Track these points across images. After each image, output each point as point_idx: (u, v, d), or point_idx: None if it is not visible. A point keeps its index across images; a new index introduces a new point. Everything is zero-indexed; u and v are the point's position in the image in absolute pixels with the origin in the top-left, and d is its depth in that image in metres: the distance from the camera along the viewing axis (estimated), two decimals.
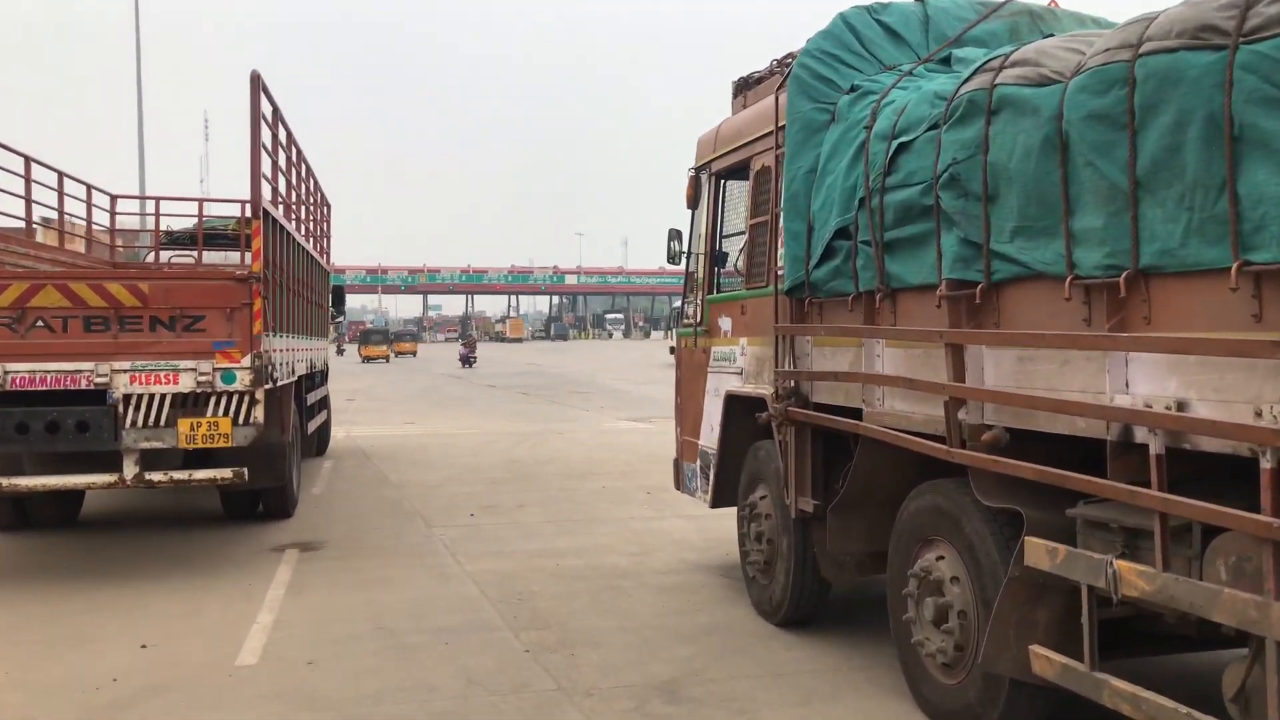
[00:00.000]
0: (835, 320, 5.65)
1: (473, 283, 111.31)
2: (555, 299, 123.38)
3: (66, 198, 12.03)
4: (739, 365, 6.86)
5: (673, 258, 7.95)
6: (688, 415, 7.88)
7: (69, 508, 9.93)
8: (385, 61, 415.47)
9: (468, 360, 47.13)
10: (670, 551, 8.67)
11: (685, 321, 8.01)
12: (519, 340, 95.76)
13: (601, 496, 11.50)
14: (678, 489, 8.26)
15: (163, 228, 14.31)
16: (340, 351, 60.48)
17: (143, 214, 14.67)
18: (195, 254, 12.90)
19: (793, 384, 5.98)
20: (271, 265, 8.70)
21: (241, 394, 7.71)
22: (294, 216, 10.86)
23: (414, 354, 64.19)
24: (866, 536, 5.67)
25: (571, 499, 11.36)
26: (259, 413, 7.73)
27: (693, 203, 7.86)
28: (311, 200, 13.22)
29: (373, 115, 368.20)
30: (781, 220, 5.98)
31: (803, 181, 5.79)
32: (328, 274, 15.04)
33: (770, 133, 6.42)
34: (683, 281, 8.16)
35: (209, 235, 12.99)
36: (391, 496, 11.73)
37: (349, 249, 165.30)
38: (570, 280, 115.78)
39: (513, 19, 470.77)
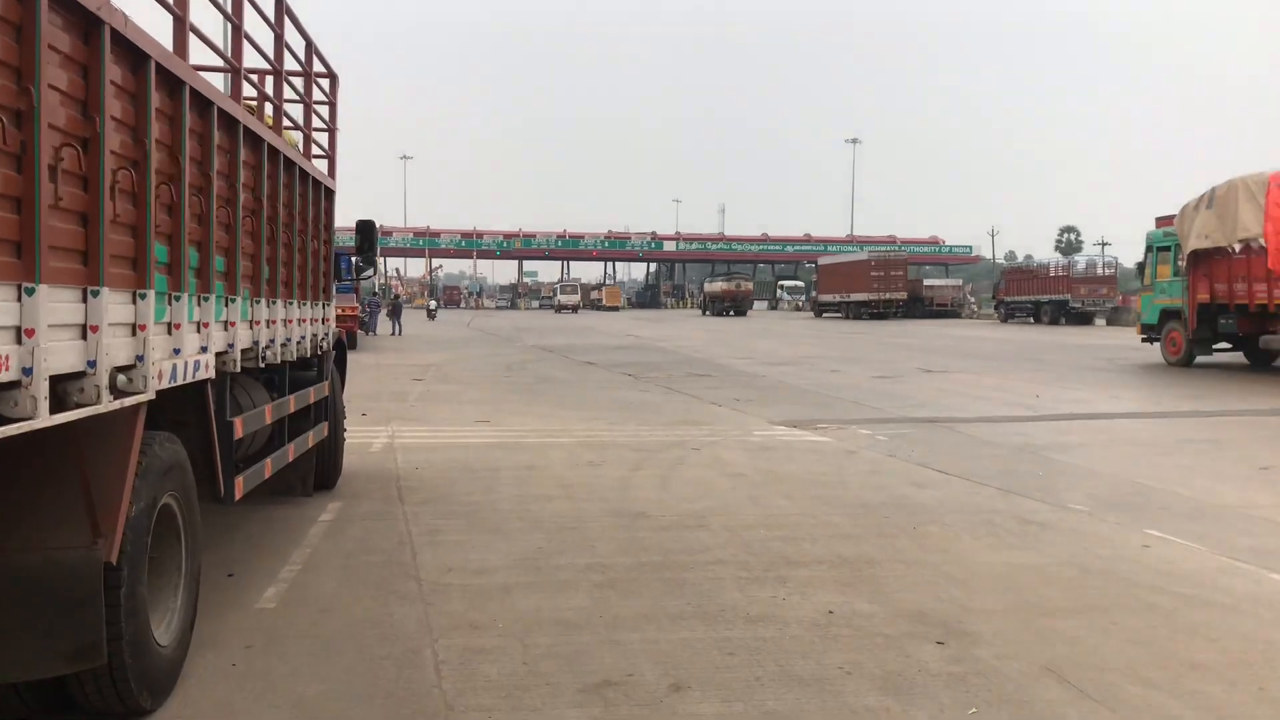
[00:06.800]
0: None
1: (569, 248, 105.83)
2: (652, 266, 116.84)
3: None
4: None
5: None
6: None
7: None
8: (462, 19, 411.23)
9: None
10: None
11: None
12: (616, 309, 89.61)
13: (858, 664, 5.25)
14: None
15: None
16: (431, 315, 57.14)
17: None
18: None
19: None
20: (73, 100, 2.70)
21: None
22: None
23: None
24: None
25: (794, 673, 5.14)
26: None
27: None
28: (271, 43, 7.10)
29: (465, 78, 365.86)
30: None
31: None
32: (327, 191, 8.74)
33: None
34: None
35: None
36: (404, 626, 5.70)
37: (445, 215, 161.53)
38: (669, 247, 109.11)
39: None
